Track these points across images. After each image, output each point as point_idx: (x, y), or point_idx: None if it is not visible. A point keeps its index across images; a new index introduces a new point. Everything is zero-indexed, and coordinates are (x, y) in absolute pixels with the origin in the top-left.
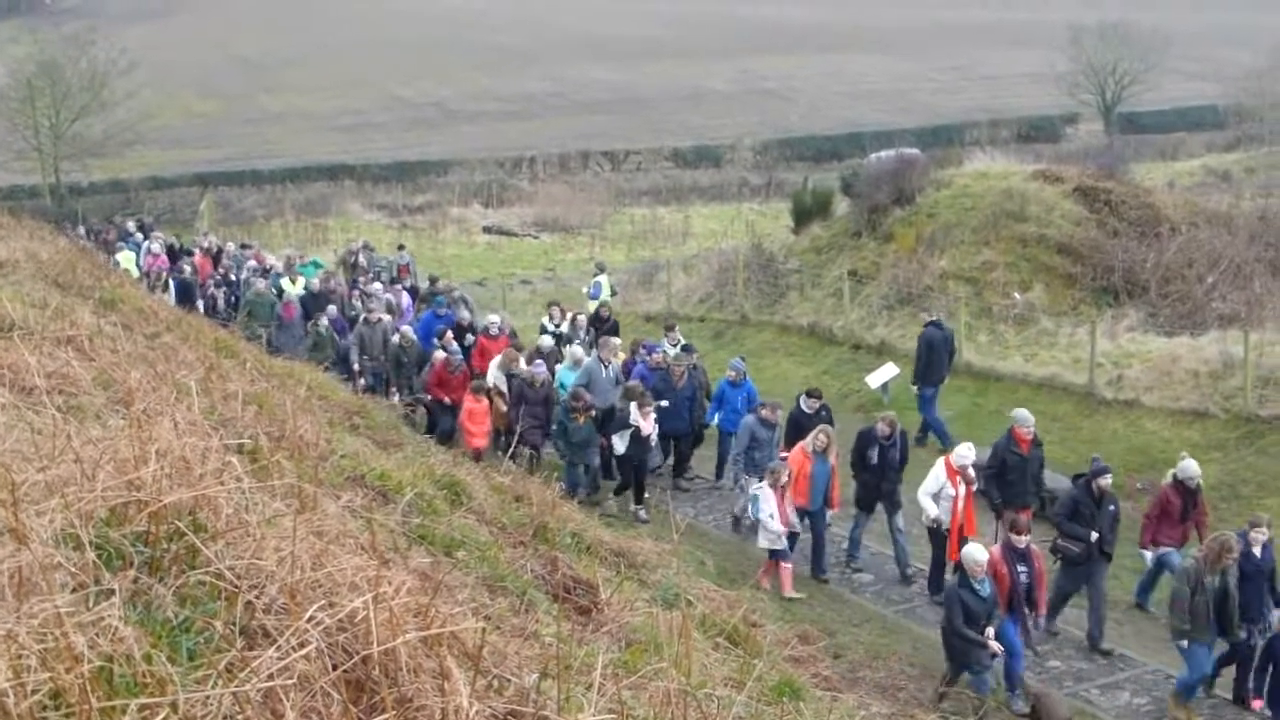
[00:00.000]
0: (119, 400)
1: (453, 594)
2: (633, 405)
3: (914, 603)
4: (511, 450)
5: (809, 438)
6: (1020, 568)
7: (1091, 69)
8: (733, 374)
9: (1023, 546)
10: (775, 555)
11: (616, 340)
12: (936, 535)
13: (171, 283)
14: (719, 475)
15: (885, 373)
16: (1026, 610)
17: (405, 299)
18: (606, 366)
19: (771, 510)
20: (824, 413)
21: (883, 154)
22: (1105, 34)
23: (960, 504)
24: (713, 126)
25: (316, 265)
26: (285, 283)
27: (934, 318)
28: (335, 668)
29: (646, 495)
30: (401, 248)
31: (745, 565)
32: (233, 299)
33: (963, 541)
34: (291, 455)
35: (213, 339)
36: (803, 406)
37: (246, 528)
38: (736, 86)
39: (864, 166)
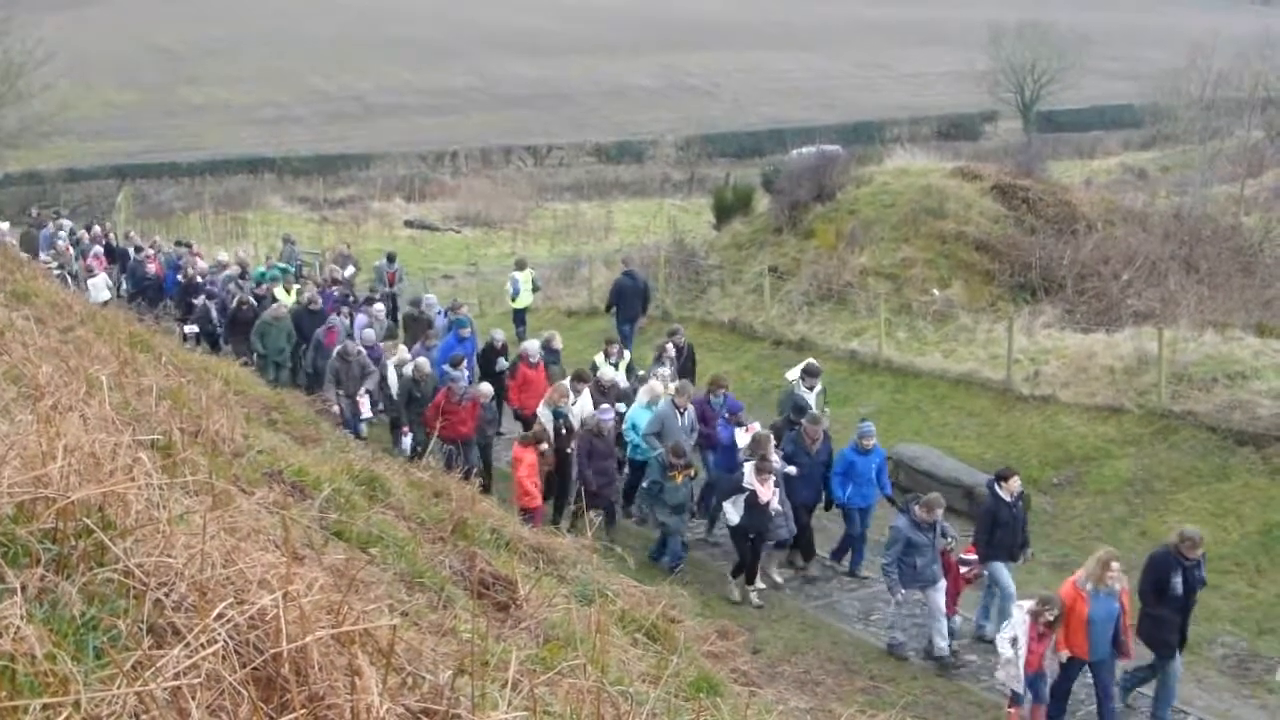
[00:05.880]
0: (28, 395)
1: (368, 590)
2: (747, 464)
3: (832, 597)
4: (578, 510)
5: (1086, 570)
6: None
7: (1010, 68)
8: (868, 442)
9: None
10: (1016, 698)
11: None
12: None
13: (124, 279)
14: (840, 559)
15: None
16: None
17: (360, 319)
18: (682, 412)
19: (1016, 635)
20: (1020, 501)
21: (804, 150)
22: (1024, 33)
23: None
24: (635, 122)
25: (283, 271)
26: (279, 291)
27: (628, 268)
28: (244, 666)
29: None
30: (392, 258)
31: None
32: (222, 312)
33: None
34: (206, 451)
35: (127, 333)
36: (1000, 493)
37: (156, 524)
38: (660, 82)
39: (785, 163)
